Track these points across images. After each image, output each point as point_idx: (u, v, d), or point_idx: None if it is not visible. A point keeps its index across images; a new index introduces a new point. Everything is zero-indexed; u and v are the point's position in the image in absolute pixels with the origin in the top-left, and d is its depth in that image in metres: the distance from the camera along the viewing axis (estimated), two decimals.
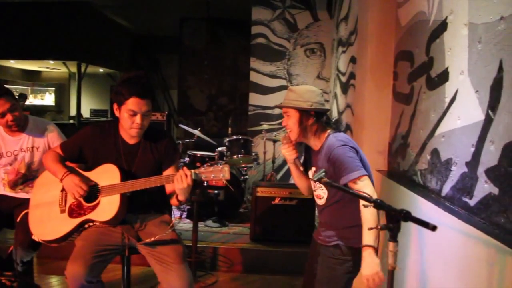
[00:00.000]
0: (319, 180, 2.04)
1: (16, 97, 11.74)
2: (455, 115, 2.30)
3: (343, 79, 5.60)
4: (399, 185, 2.98)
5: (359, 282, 2.33)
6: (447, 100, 2.40)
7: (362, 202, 2.18)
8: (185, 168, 2.54)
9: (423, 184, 2.73)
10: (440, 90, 2.51)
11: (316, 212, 2.81)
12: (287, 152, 2.61)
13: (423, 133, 2.76)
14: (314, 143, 2.59)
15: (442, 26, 2.50)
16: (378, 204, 1.78)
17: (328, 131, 2.55)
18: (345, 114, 5.35)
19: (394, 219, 1.72)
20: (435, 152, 2.56)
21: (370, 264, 2.23)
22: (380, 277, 2.21)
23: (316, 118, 2.51)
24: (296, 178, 2.75)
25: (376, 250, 2.25)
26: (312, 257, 2.71)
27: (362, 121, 3.69)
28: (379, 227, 1.73)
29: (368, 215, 2.26)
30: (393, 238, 1.72)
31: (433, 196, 2.51)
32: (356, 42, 4.63)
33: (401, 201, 2.87)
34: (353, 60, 4.90)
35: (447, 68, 2.42)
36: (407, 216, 1.68)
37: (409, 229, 2.60)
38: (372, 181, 2.44)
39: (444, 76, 2.46)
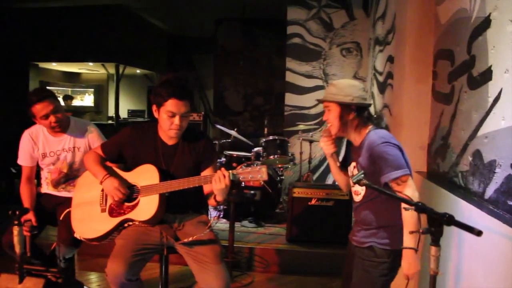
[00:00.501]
0: (357, 182, 2.00)
1: (61, 98, 12.15)
2: (499, 115, 2.23)
3: (380, 78, 5.52)
4: (439, 187, 2.91)
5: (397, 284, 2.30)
6: (491, 99, 2.33)
7: (403, 204, 2.15)
8: (223, 169, 2.55)
9: (465, 187, 2.66)
10: (483, 89, 2.44)
11: (353, 211, 2.76)
12: (325, 146, 2.60)
13: (465, 134, 2.69)
14: (354, 138, 2.56)
15: (485, 23, 2.43)
16: (419, 207, 1.74)
17: (370, 127, 2.52)
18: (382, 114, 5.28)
19: (437, 223, 1.67)
20: (477, 154, 2.48)
21: (411, 264, 2.25)
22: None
23: (357, 113, 2.48)
24: (334, 173, 2.75)
25: (416, 252, 2.24)
26: (349, 259, 2.69)
27: (400, 121, 3.63)
28: (421, 230, 1.68)
29: (409, 217, 2.23)
30: (435, 242, 1.68)
31: (475, 199, 2.45)
32: (393, 41, 4.56)
33: (441, 204, 2.81)
34: (390, 59, 4.82)
35: (490, 66, 2.35)
36: (451, 220, 1.64)
37: (450, 232, 2.54)
38: None
39: (487, 75, 2.39)
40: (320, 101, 2.60)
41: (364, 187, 2.48)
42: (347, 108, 2.47)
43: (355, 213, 2.68)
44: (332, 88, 2.53)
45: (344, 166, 2.71)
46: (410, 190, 2.28)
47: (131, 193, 2.73)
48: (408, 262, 2.26)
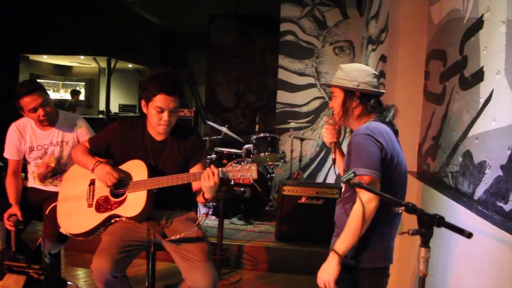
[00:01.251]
0: (347, 182, 1.89)
1: (68, 93, 12.07)
2: (490, 116, 2.22)
3: None
4: (429, 187, 2.91)
5: None
6: (482, 100, 2.32)
7: (357, 204, 2.05)
8: (212, 166, 2.52)
9: (454, 187, 2.65)
10: (474, 90, 2.43)
11: None
12: (326, 134, 2.45)
13: (455, 134, 2.69)
14: (355, 128, 2.32)
15: (478, 24, 2.42)
16: (409, 208, 1.71)
17: (373, 117, 2.30)
18: None
19: (427, 224, 1.65)
20: (467, 154, 2.48)
21: (328, 269, 2.10)
22: (330, 286, 2.07)
23: (361, 101, 2.27)
24: (337, 161, 2.53)
25: (340, 259, 2.08)
26: None
27: None
28: (410, 232, 1.65)
29: (353, 221, 2.06)
30: (425, 244, 1.65)
31: (465, 199, 2.44)
32: (386, 40, 4.55)
33: (430, 204, 2.81)
34: (383, 58, 4.82)
35: (482, 67, 2.34)
36: (441, 222, 1.61)
37: (439, 234, 2.53)
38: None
39: (478, 76, 2.38)
40: (326, 85, 2.50)
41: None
42: (351, 94, 2.27)
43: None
44: (339, 71, 2.34)
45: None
46: (367, 195, 2.02)
47: (119, 187, 2.70)
48: (326, 266, 2.11)
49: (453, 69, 2.80)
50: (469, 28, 2.55)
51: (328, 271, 2.09)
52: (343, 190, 2.40)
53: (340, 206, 2.35)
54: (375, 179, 2.07)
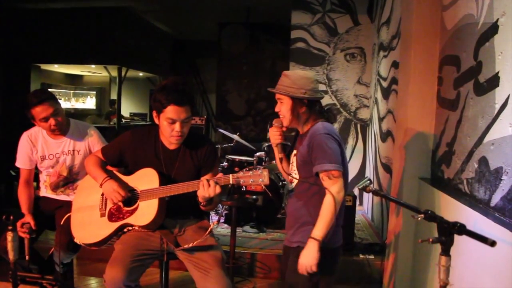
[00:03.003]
0: (363, 189, 1.96)
1: (108, 102, 12.24)
2: (506, 122, 2.19)
3: (384, 84, 5.49)
4: (444, 194, 2.87)
5: None
6: (497, 106, 2.29)
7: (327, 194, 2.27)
8: (207, 176, 2.57)
9: (470, 194, 2.61)
10: (490, 95, 2.40)
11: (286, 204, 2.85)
12: (273, 136, 2.64)
13: (470, 141, 2.65)
14: (302, 128, 2.60)
15: (493, 29, 2.39)
16: (429, 216, 1.68)
17: (319, 120, 2.55)
18: (386, 120, 5.24)
19: (447, 232, 1.61)
20: (483, 160, 2.44)
21: (311, 254, 2.30)
22: (312, 269, 2.30)
23: (309, 107, 2.52)
24: (277, 162, 2.78)
25: (320, 244, 2.30)
26: (284, 259, 2.75)
27: (405, 127, 3.59)
28: (430, 240, 1.62)
29: (327, 210, 2.32)
30: (446, 252, 1.61)
31: (481, 206, 2.40)
32: (398, 46, 4.53)
33: (445, 211, 2.77)
34: (395, 64, 4.79)
35: (497, 73, 2.31)
36: (462, 229, 1.58)
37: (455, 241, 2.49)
38: (346, 181, 2.48)
39: (494, 81, 2.35)
40: (273, 91, 2.60)
41: (297, 175, 2.55)
42: (300, 101, 2.49)
43: (287, 208, 2.72)
44: (285, 79, 2.53)
45: (289, 154, 2.76)
46: (336, 187, 2.34)
47: (131, 197, 2.69)
48: (308, 252, 2.32)
49: (467, 74, 2.77)
50: (483, 33, 2.52)
51: (310, 256, 2.31)
52: (293, 185, 2.62)
53: (295, 199, 2.59)
54: (341, 172, 2.38)
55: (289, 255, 2.60)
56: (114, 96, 11.86)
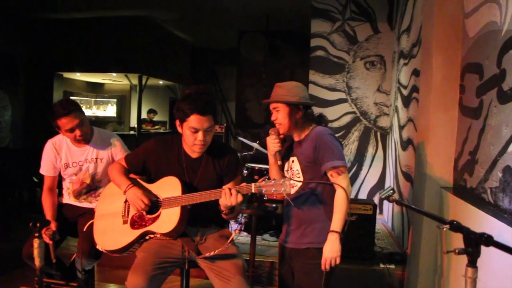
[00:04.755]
0: (386, 198, 1.98)
1: (146, 111, 12.49)
2: None
3: (405, 92, 5.45)
4: (467, 203, 2.84)
5: None
6: None
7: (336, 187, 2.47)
8: (229, 185, 2.60)
9: (494, 203, 2.58)
10: None
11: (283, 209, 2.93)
12: (272, 144, 2.71)
13: (494, 149, 2.62)
14: (298, 135, 2.74)
15: None
16: (455, 226, 1.66)
17: (313, 125, 2.74)
18: (406, 128, 5.20)
19: (474, 243, 1.59)
20: (507, 170, 2.41)
21: (334, 247, 2.46)
22: (337, 262, 2.47)
23: (304, 112, 2.69)
24: (271, 169, 2.84)
25: (341, 236, 2.48)
26: (285, 263, 2.80)
27: (426, 136, 3.57)
28: (457, 251, 1.60)
29: (341, 201, 2.49)
30: (472, 263, 1.59)
31: (505, 216, 2.37)
32: (419, 54, 4.50)
33: (468, 220, 2.73)
34: (415, 72, 4.76)
35: None
36: (489, 241, 1.55)
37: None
38: None
39: None
40: (269, 102, 2.70)
41: (300, 178, 2.67)
42: (296, 107, 2.65)
43: (286, 214, 2.80)
44: (279, 89, 2.69)
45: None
46: (346, 181, 2.54)
47: (153, 205, 2.71)
48: (331, 245, 2.46)
49: (490, 82, 2.75)
50: (507, 41, 2.50)
51: (334, 249, 2.47)
52: (293, 190, 2.70)
53: (299, 203, 2.68)
54: (347, 168, 2.60)
55: (292, 257, 2.71)
56: (134, 104, 11.99)
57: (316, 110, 7.04)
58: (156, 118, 13.99)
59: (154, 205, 2.71)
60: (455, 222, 1.70)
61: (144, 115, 12.35)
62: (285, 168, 2.82)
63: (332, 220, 2.51)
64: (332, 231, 2.49)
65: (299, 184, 2.69)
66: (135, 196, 2.68)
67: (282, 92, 2.67)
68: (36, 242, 2.65)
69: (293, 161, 2.75)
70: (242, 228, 5.37)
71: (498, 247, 1.55)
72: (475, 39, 3.07)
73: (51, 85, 10.36)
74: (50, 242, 3.00)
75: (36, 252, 2.66)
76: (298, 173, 2.69)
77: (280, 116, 2.66)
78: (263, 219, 5.27)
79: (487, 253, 1.69)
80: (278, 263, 2.96)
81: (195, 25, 10.79)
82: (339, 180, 2.54)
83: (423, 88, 3.89)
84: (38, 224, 2.70)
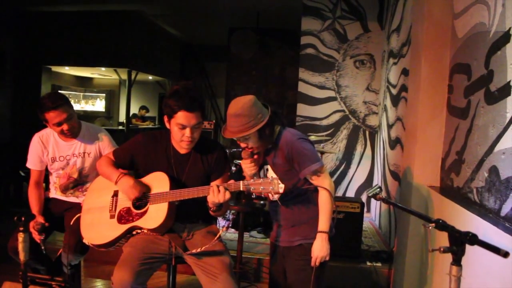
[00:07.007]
0: (373, 197, 2.00)
1: (137, 108, 12.45)
2: None
3: (394, 91, 5.48)
4: (453, 203, 2.86)
5: None
6: (509, 115, 2.29)
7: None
8: (217, 182, 2.58)
9: (480, 203, 2.61)
10: (501, 104, 2.39)
11: (270, 210, 2.93)
12: (248, 168, 2.65)
13: (481, 149, 2.64)
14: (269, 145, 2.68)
15: (505, 38, 2.39)
16: (440, 225, 1.67)
17: (278, 127, 2.67)
18: (395, 127, 5.23)
19: (458, 242, 1.61)
20: (493, 170, 2.44)
21: (324, 246, 2.51)
22: (326, 259, 2.53)
23: (269, 123, 2.57)
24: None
25: (329, 235, 2.54)
26: (277, 261, 2.82)
27: (414, 135, 3.59)
28: (441, 249, 1.62)
29: (325, 201, 2.52)
30: (457, 262, 1.61)
31: (491, 215, 2.40)
32: (408, 53, 4.53)
33: (454, 219, 2.75)
34: (405, 72, 4.79)
35: (509, 82, 2.31)
36: (474, 240, 1.57)
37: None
38: None
39: (505, 90, 2.34)
40: (240, 137, 2.55)
41: (282, 186, 2.54)
42: (263, 126, 2.52)
43: (274, 212, 2.81)
44: (238, 120, 2.51)
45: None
46: (327, 180, 2.55)
47: (141, 199, 2.70)
48: (321, 244, 2.50)
49: (478, 83, 2.77)
50: (495, 42, 2.52)
51: (324, 248, 2.52)
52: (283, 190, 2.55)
53: (286, 205, 2.70)
54: (324, 166, 2.58)
55: (285, 255, 2.73)
56: (123, 99, 11.95)
57: (305, 108, 7.08)
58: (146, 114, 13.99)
59: (141, 200, 2.71)
60: (440, 221, 1.71)
61: (133, 110, 12.33)
62: (261, 176, 2.77)
63: (319, 221, 2.54)
64: (320, 231, 2.53)
65: (281, 189, 2.62)
66: (128, 185, 2.68)
67: (244, 121, 2.50)
68: (21, 236, 2.63)
69: (267, 170, 2.74)
70: (230, 225, 5.37)
71: (482, 246, 1.56)
72: (464, 40, 3.10)
73: (39, 79, 10.27)
74: (39, 241, 2.98)
75: (21, 247, 2.63)
76: (276, 179, 2.62)
77: (251, 142, 2.57)
78: (251, 216, 5.28)
79: (472, 252, 1.70)
80: (269, 261, 2.96)
81: (186, 21, 10.75)
82: (320, 181, 2.55)
83: (411, 87, 3.91)
84: (23, 218, 2.68)
